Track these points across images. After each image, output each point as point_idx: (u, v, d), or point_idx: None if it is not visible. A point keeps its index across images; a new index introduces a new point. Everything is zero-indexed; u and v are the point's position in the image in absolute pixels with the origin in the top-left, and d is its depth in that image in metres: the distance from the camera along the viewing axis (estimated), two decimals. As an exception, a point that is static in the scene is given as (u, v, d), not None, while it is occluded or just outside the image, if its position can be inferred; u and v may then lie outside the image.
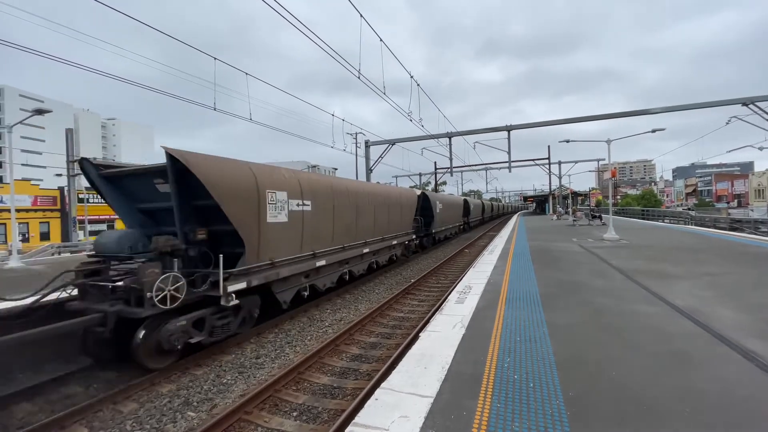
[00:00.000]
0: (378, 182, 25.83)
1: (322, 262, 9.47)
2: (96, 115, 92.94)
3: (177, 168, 6.31)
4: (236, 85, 15.24)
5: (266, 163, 8.33)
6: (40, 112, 14.62)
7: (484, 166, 36.33)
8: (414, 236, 17.63)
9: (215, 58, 11.22)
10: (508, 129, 24.36)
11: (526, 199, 74.82)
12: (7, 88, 72.85)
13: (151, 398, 5.28)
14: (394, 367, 4.01)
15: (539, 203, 58.77)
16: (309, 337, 7.65)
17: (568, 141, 22.28)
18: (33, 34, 34.68)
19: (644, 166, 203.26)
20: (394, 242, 14.62)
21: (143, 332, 5.73)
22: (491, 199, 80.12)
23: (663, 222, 31.43)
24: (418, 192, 19.24)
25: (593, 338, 4.57)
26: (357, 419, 3.04)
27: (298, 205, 8.42)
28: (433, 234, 21.21)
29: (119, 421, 4.72)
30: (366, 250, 12.02)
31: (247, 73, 12.71)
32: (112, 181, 7.58)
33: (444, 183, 70.41)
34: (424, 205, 19.80)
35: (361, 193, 11.78)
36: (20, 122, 15.48)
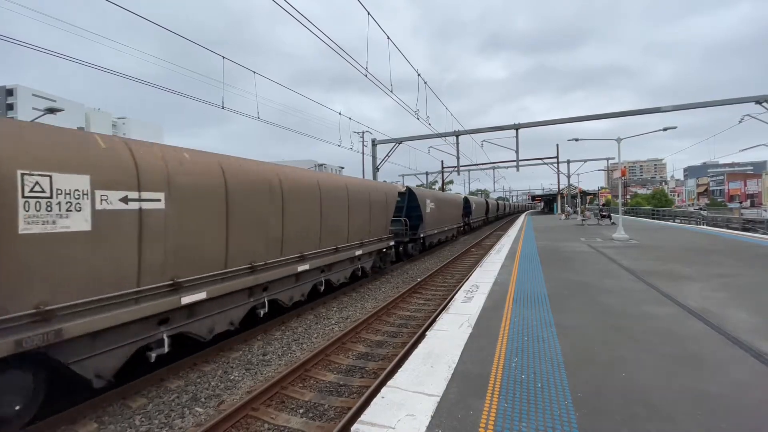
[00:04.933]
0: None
1: (435, 231, 19.88)
2: (107, 114, 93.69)
3: (409, 192, 17.72)
4: (236, 81, 15.31)
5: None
6: (52, 111, 14.84)
7: (491, 165, 36.14)
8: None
9: (224, 57, 11.26)
10: (516, 128, 24.19)
11: (533, 198, 74.22)
12: (20, 87, 73.66)
13: (160, 393, 5.34)
14: (400, 366, 4.00)
15: (547, 202, 58.23)
16: (315, 335, 7.67)
17: (576, 140, 22.01)
18: (34, 30, 35.19)
19: (655, 165, 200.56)
20: (454, 226, 25.43)
21: (402, 247, 16.41)
22: (498, 198, 79.55)
23: (674, 222, 30.96)
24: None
25: (602, 339, 4.51)
26: (363, 417, 3.04)
27: (432, 204, 19.00)
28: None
29: (128, 416, 4.77)
30: (446, 228, 22.62)
31: (255, 72, 12.74)
32: None
33: (451, 182, 70.13)
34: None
35: (440, 197, 22.23)
36: (33, 121, 15.72)
